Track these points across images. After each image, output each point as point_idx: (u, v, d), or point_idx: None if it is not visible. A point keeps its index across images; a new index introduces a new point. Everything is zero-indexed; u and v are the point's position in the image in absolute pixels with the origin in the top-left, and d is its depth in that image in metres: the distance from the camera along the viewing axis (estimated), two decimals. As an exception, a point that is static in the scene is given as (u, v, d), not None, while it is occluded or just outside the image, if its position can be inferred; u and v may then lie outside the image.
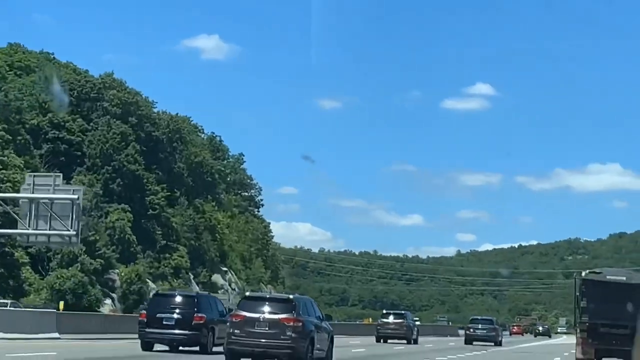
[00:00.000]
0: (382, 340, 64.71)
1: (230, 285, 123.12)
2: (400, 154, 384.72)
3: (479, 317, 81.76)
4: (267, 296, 31.49)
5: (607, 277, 37.00)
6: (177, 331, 34.73)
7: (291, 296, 29.44)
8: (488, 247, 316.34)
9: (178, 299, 36.15)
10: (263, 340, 27.30)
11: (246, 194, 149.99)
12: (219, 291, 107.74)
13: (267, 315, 27.63)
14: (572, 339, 58.58)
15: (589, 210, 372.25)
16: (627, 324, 34.62)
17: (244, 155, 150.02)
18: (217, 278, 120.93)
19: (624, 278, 36.92)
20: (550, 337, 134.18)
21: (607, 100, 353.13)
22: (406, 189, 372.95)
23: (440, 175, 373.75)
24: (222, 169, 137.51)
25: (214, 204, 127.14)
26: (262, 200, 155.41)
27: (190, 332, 34.63)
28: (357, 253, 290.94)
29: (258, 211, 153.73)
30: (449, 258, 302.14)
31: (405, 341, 64.45)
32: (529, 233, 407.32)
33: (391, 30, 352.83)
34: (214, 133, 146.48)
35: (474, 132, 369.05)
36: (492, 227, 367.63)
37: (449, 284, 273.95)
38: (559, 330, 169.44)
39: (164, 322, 34.73)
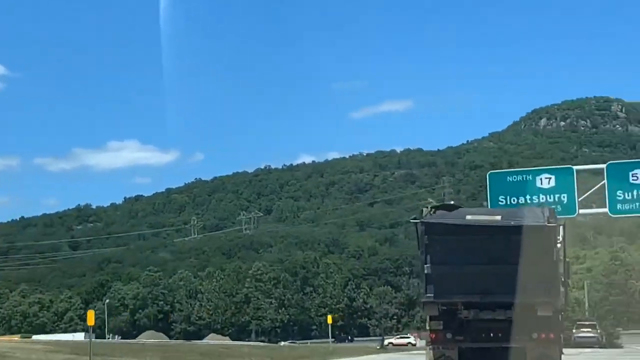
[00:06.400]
0: None
1: None
2: None
3: None
4: None
5: (468, 216, 23.66)
6: None
7: None
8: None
9: None
10: None
11: None
12: None
13: None
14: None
15: (107, 184, 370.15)
16: (510, 301, 22.51)
17: None
18: None
19: (498, 217, 23.67)
20: None
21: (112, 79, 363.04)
22: None
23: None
24: None
25: None
26: None
27: None
28: None
29: None
30: None
31: None
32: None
33: None
34: None
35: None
36: (12, 210, 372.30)
37: None
38: None
39: None
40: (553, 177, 41.35)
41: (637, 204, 41.09)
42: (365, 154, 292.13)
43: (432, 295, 23.97)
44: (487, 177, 42.62)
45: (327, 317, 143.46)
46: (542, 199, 40.01)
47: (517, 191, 41.03)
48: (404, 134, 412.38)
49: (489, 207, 41.05)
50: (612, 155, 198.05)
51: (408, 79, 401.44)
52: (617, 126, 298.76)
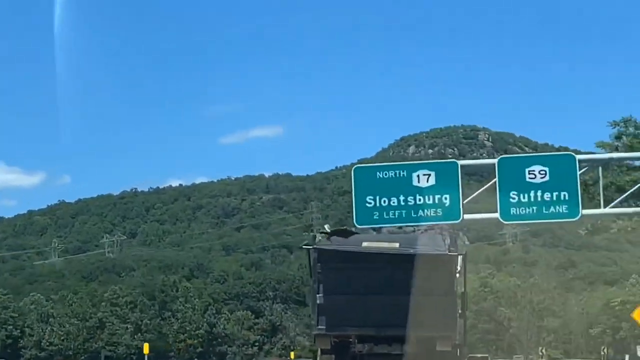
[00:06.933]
0: None
1: None
2: None
3: None
4: None
5: (364, 243, 22.37)
6: None
7: None
8: None
9: None
10: None
11: None
12: None
13: None
14: None
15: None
16: (407, 334, 20.87)
17: None
18: None
19: (397, 245, 22.22)
20: None
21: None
22: None
23: None
24: None
25: None
26: None
27: None
28: None
29: None
30: None
31: None
32: None
33: None
34: None
35: None
36: None
37: None
38: None
39: None
40: (433, 173, 34.11)
41: (535, 207, 33.04)
42: (233, 178, 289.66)
43: (324, 327, 22.04)
44: (352, 173, 35.33)
45: (185, 343, 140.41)
46: (419, 200, 33.15)
47: (390, 190, 33.75)
48: (273, 159, 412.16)
49: (354, 208, 35.55)
50: (479, 184, 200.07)
51: (279, 104, 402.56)
52: (484, 155, 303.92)
